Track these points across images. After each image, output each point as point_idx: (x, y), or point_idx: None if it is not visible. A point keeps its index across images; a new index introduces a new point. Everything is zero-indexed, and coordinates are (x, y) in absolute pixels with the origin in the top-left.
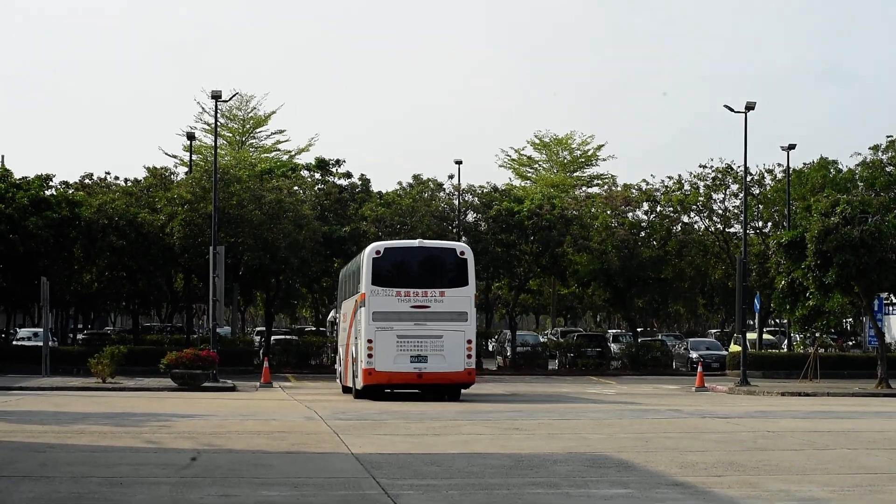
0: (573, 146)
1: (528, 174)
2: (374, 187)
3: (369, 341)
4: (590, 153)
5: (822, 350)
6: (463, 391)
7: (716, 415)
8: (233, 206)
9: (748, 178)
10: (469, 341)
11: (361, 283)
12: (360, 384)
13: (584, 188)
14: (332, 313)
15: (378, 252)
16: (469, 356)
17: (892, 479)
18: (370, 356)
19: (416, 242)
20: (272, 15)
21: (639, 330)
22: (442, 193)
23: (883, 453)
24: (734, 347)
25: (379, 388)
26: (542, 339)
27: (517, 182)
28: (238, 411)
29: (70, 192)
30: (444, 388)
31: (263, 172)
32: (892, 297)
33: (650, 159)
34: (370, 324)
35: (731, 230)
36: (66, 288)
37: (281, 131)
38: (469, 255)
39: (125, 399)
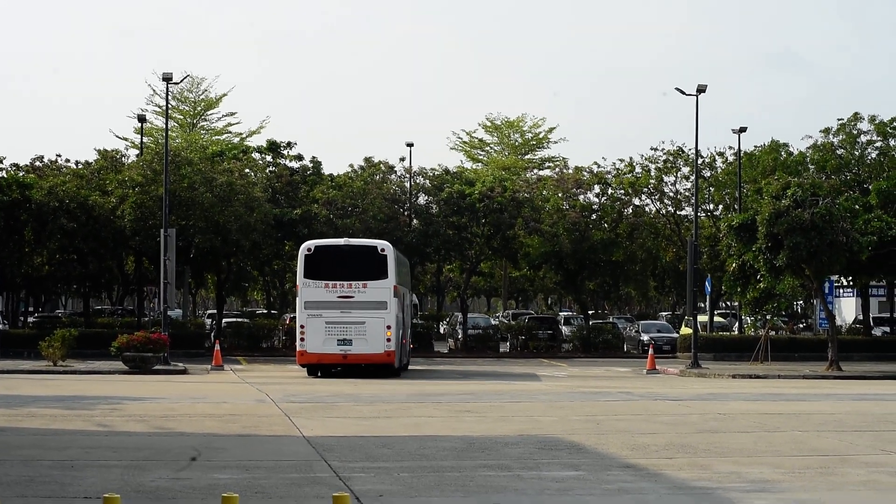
0: (525, 129)
1: (480, 157)
2: (326, 170)
3: (301, 327)
4: (541, 136)
5: (773, 332)
6: (413, 371)
7: (667, 397)
8: (184, 189)
9: (699, 161)
10: (388, 327)
11: (297, 277)
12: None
13: (535, 171)
14: None
15: (309, 249)
16: (388, 340)
17: (843, 460)
18: (302, 339)
19: (342, 241)
20: None
21: (590, 312)
22: (393, 176)
23: (833, 435)
24: (685, 330)
25: (311, 368)
26: (493, 322)
27: (469, 164)
28: (189, 394)
29: (20, 174)
30: (369, 368)
31: (214, 155)
32: (843, 280)
33: (602, 142)
34: (302, 311)
35: (683, 213)
36: (17, 270)
37: (232, 114)
38: (389, 252)
39: (76, 382)
